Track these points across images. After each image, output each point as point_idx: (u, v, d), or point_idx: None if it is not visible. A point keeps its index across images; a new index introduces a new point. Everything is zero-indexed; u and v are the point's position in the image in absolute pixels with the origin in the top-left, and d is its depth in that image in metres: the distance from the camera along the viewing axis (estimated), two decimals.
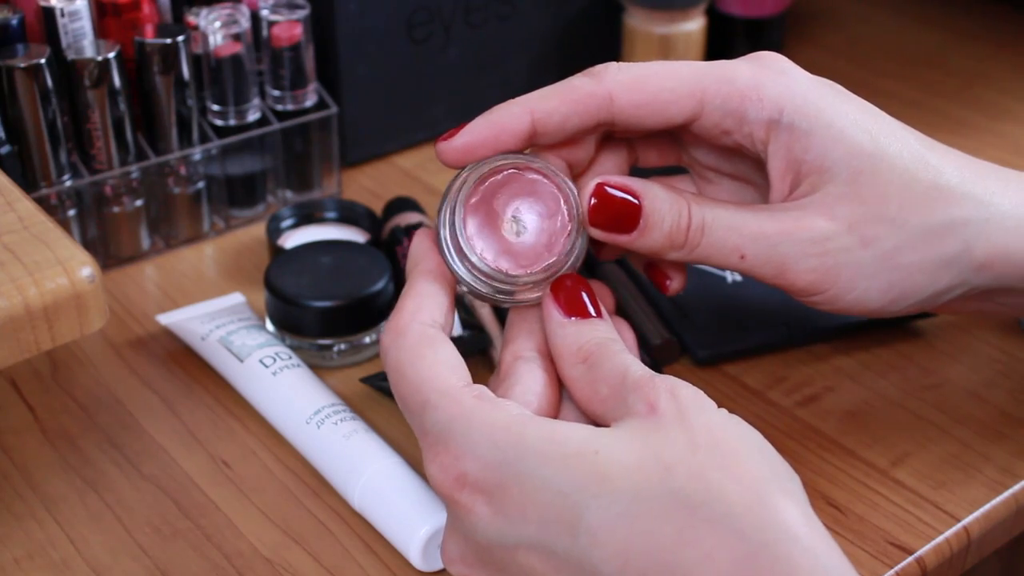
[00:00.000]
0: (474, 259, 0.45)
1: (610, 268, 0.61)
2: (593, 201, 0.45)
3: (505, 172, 0.45)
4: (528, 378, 0.44)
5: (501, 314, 0.58)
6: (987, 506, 0.50)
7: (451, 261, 0.45)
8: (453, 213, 0.45)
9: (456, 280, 0.46)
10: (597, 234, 0.46)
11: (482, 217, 0.45)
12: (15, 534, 0.50)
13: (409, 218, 0.65)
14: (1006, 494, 0.51)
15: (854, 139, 0.46)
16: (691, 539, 0.36)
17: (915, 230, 0.46)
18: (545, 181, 0.45)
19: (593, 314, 0.44)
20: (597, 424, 0.42)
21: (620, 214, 0.45)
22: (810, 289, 0.47)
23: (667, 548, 0.36)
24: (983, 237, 0.47)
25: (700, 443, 0.38)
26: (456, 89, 0.77)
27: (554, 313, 0.44)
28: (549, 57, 0.80)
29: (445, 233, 0.45)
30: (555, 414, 0.44)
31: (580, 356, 0.43)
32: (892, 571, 0.48)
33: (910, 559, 0.48)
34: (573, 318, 0.44)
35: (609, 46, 0.81)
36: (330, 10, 0.69)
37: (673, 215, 0.46)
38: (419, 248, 0.46)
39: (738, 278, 0.61)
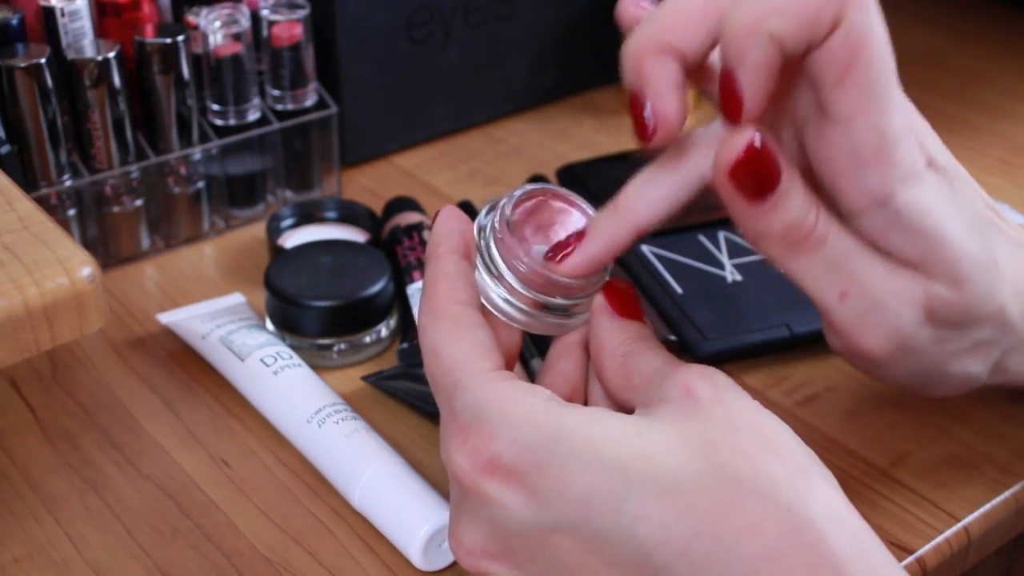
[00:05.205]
0: (524, 268, 0.44)
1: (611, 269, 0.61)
2: (742, 154, 0.40)
3: (536, 199, 0.45)
4: (559, 364, 0.45)
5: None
6: (987, 506, 0.50)
7: (495, 275, 0.44)
8: (496, 232, 0.44)
9: (489, 298, 0.45)
10: (725, 190, 0.41)
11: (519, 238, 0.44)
12: (15, 534, 0.50)
13: (409, 218, 0.65)
14: (1006, 494, 0.51)
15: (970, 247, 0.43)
16: (737, 510, 0.36)
17: (971, 340, 0.45)
18: (572, 209, 0.45)
19: (639, 319, 0.44)
20: (624, 410, 0.42)
21: (764, 178, 0.40)
22: (870, 357, 0.44)
23: (712, 519, 0.36)
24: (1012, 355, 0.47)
25: (740, 424, 0.38)
26: (456, 89, 0.77)
27: (606, 310, 0.44)
28: (549, 57, 0.80)
29: (490, 247, 0.44)
30: (582, 400, 0.45)
31: (620, 350, 0.43)
32: None
33: (910, 559, 0.48)
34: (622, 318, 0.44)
35: (609, 46, 0.81)
36: (330, 10, 0.69)
37: (802, 208, 0.41)
38: (442, 229, 0.45)
39: (738, 277, 0.61)
